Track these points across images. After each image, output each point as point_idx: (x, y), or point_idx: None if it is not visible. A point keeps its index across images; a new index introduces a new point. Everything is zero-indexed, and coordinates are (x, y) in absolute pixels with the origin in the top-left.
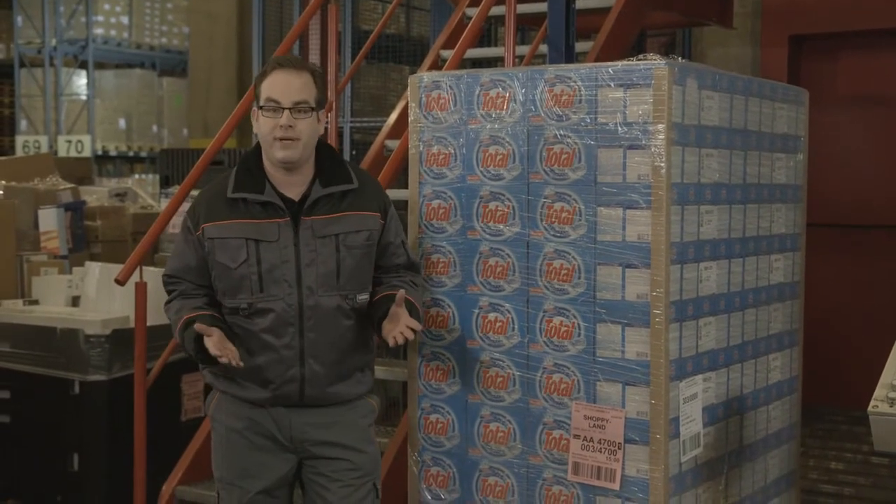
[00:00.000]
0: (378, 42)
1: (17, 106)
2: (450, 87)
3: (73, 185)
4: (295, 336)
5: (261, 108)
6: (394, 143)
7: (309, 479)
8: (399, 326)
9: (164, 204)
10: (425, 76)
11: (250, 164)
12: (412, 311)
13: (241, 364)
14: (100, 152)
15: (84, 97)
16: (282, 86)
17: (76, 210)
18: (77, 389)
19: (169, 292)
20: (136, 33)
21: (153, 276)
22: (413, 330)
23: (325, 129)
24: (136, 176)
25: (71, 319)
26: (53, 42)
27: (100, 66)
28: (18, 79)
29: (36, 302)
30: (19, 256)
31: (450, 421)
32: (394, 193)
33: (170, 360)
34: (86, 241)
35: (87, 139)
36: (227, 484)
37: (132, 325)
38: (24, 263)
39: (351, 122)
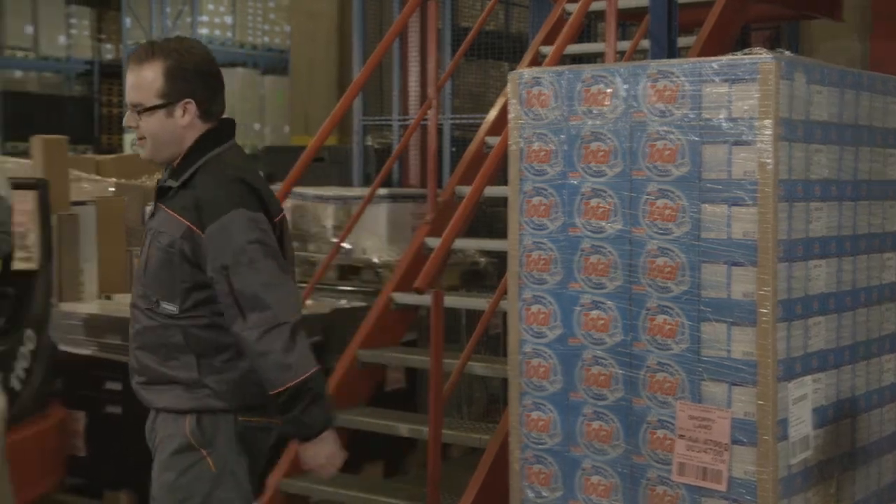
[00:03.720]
0: (477, 39)
1: (125, 105)
2: (550, 83)
3: None
4: (131, 321)
5: None
6: (494, 140)
7: None
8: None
9: None
10: (525, 72)
11: None
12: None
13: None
14: None
15: None
16: (127, 83)
17: None
18: None
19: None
20: (239, 32)
21: None
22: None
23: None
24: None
25: None
26: None
27: None
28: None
29: None
30: (129, 252)
31: (551, 418)
32: (494, 190)
33: None
34: None
35: None
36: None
37: None
38: (133, 259)
39: (451, 119)
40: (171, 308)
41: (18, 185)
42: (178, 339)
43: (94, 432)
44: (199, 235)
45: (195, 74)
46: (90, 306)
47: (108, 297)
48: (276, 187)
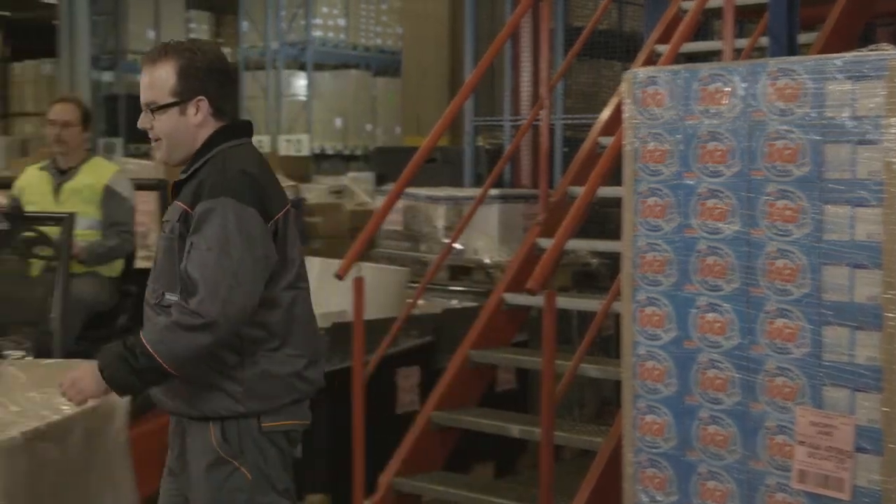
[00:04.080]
0: (589, 38)
1: (241, 107)
2: (666, 82)
3: (294, 183)
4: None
5: None
6: (607, 140)
7: None
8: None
9: (380, 201)
10: (640, 72)
11: None
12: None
13: None
14: (317, 151)
15: (303, 98)
16: (141, 85)
17: (297, 207)
18: None
19: None
20: (352, 35)
21: (371, 271)
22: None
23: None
24: (351, 174)
25: None
26: (275, 45)
27: (318, 67)
28: (243, 81)
29: None
30: None
31: (666, 422)
32: (607, 191)
33: (386, 353)
34: (306, 237)
35: (305, 138)
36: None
37: (350, 318)
38: None
39: (562, 119)
40: (173, 298)
41: (141, 186)
42: None
43: None
44: (191, 215)
45: (207, 72)
46: None
47: None
48: (389, 188)
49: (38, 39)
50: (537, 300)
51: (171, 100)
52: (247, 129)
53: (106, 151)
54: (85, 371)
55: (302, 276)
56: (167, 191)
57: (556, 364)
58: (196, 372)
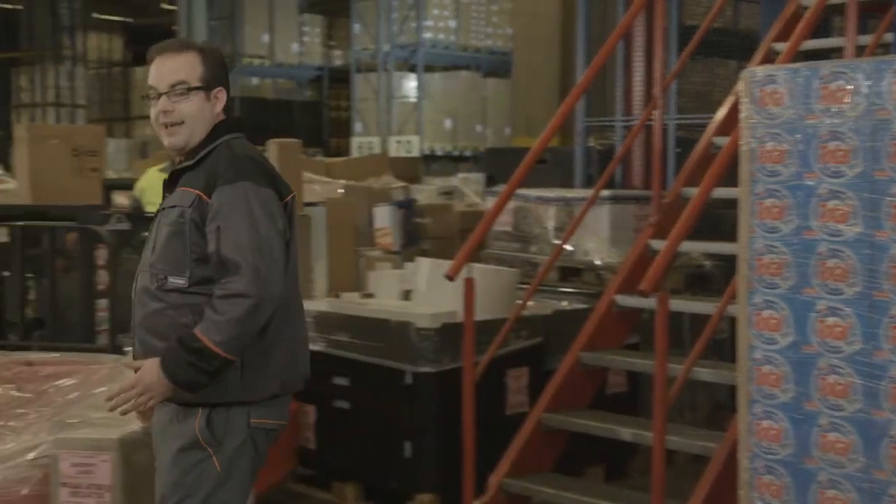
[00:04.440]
0: (703, 37)
1: (352, 109)
2: (785, 81)
3: (404, 184)
4: (134, 302)
5: (147, 98)
6: (722, 140)
7: None
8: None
9: (490, 202)
10: (759, 70)
11: None
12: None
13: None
14: (427, 152)
15: (413, 99)
16: (157, 71)
17: (408, 207)
18: (409, 380)
19: None
20: (462, 36)
21: (481, 272)
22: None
23: (649, 125)
24: (460, 175)
25: (403, 313)
26: (386, 47)
27: (428, 68)
28: (355, 83)
29: (371, 295)
30: (357, 252)
31: (783, 428)
32: (722, 192)
33: (496, 354)
34: (417, 238)
35: (415, 140)
36: None
37: (460, 319)
38: (361, 258)
39: (675, 119)
40: (179, 282)
41: None
42: (188, 319)
43: (323, 425)
44: (207, 202)
45: (222, 68)
46: (320, 304)
47: (337, 296)
48: (499, 189)
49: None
50: (649, 302)
51: (199, 84)
52: (242, 124)
53: None
54: (153, 375)
55: (294, 265)
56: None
57: (669, 367)
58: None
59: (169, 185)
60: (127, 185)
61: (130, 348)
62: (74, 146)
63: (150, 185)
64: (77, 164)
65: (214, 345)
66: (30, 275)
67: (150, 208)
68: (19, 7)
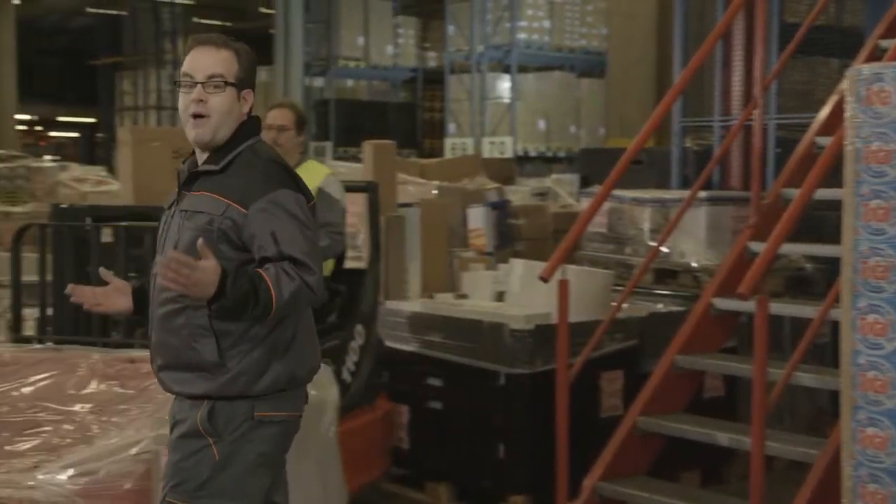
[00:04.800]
0: (805, 35)
1: (446, 110)
2: (893, 78)
3: (498, 185)
4: (154, 303)
5: (179, 85)
6: (824, 141)
7: None
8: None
9: (584, 203)
10: (865, 69)
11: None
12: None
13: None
14: (520, 153)
15: (507, 100)
16: (196, 61)
17: (501, 209)
18: (502, 381)
19: None
20: (556, 36)
21: (575, 273)
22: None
23: (748, 125)
24: (554, 176)
25: (496, 314)
26: (480, 48)
27: (522, 69)
28: (448, 85)
29: (465, 296)
30: (450, 252)
31: (890, 436)
32: (825, 193)
33: (590, 356)
34: (510, 239)
35: (508, 140)
36: None
37: (554, 320)
38: (454, 259)
39: (775, 118)
40: None
41: (350, 188)
42: (203, 320)
43: (416, 425)
44: (243, 213)
45: (254, 71)
46: (414, 304)
47: (431, 296)
48: (593, 190)
49: (255, 48)
50: (748, 305)
51: (234, 81)
52: (260, 125)
53: (316, 154)
54: (213, 279)
55: None
56: (376, 193)
57: (768, 371)
58: (207, 357)
59: (186, 184)
60: None
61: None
62: (175, 148)
63: None
64: (178, 165)
65: (276, 297)
66: (132, 274)
67: None
68: (123, 13)
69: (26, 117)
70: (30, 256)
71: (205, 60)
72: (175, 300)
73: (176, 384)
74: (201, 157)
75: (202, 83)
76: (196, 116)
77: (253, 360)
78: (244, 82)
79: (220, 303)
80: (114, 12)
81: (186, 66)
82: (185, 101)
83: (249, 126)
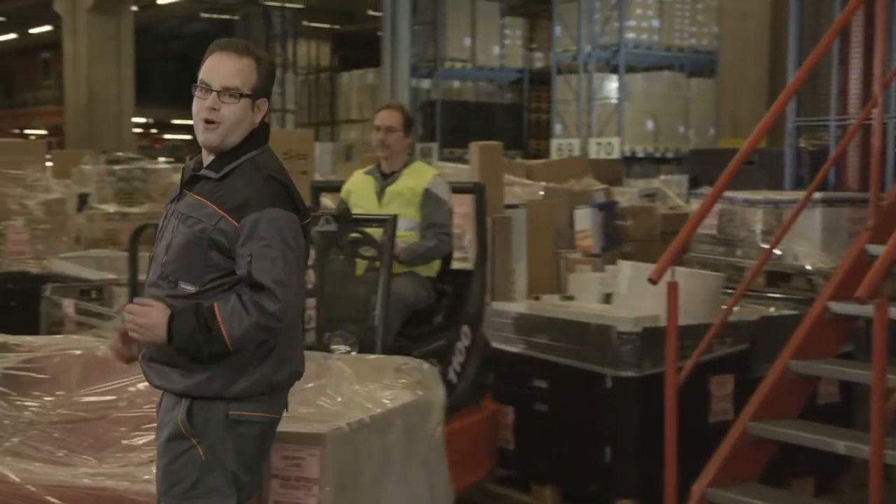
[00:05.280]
0: None
1: (552, 111)
2: None
3: (605, 186)
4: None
5: (195, 88)
6: None
7: None
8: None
9: (694, 204)
10: None
11: None
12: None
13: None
14: (627, 154)
15: (614, 101)
16: (215, 68)
17: (609, 210)
18: (609, 384)
19: None
20: (665, 36)
21: (685, 275)
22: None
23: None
24: (662, 177)
25: (603, 316)
26: (587, 49)
27: (630, 69)
28: (555, 85)
29: (571, 297)
30: (557, 254)
31: None
32: None
33: (700, 360)
34: (617, 240)
35: (616, 141)
36: None
37: (662, 323)
38: (560, 260)
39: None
40: (189, 288)
41: (457, 189)
42: None
43: (522, 427)
44: (234, 225)
45: (272, 79)
46: (520, 305)
47: (537, 298)
48: (703, 191)
49: (363, 50)
50: (866, 310)
51: (249, 92)
52: (269, 133)
53: (422, 156)
54: (161, 321)
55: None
56: (482, 194)
57: (888, 378)
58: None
59: (188, 183)
60: (334, 188)
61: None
62: (285, 150)
63: (356, 186)
64: (287, 166)
65: (228, 335)
66: None
67: (356, 210)
68: (235, 18)
69: (142, 120)
70: (146, 256)
71: (223, 69)
72: (162, 297)
73: (157, 376)
74: (207, 159)
75: (218, 92)
76: (208, 122)
77: (230, 363)
78: (260, 92)
79: (173, 344)
80: (226, 17)
81: (204, 73)
82: (198, 105)
83: (260, 134)
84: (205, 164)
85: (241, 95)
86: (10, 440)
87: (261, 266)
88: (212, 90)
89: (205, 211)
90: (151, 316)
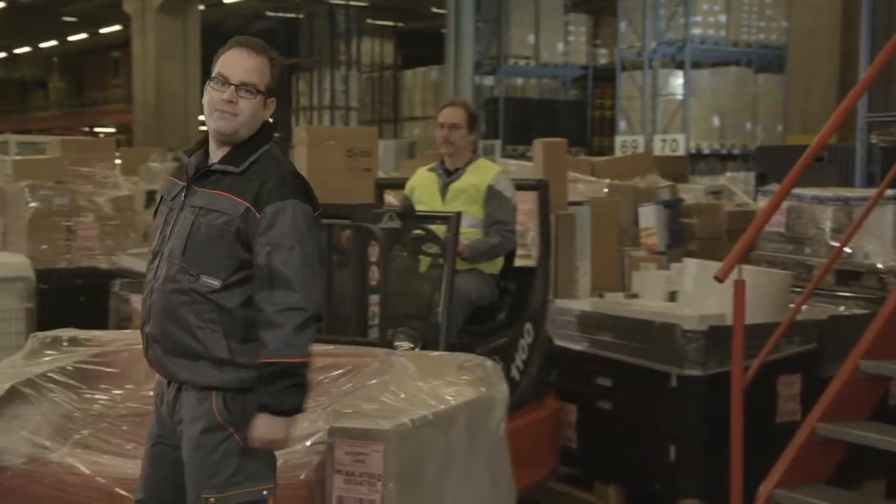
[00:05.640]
0: None
1: (616, 108)
2: None
3: (670, 183)
4: (150, 291)
5: (211, 79)
6: None
7: None
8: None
9: (762, 202)
10: None
11: (209, 132)
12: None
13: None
14: (693, 150)
15: (679, 97)
16: (234, 63)
17: (674, 207)
18: (674, 383)
19: None
20: (732, 31)
21: (752, 274)
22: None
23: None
24: (729, 174)
25: (668, 314)
26: (652, 45)
27: (696, 65)
28: (619, 82)
29: (636, 295)
30: (621, 251)
31: None
32: None
33: (767, 359)
34: (683, 238)
35: (681, 138)
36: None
37: (728, 322)
38: (625, 258)
39: None
40: (212, 282)
41: (521, 185)
42: (213, 315)
43: (585, 425)
44: (256, 216)
45: (282, 80)
46: (583, 303)
47: (601, 295)
48: (771, 188)
49: (426, 47)
50: None
51: (264, 90)
52: (274, 130)
53: (485, 153)
54: (266, 429)
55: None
56: (546, 191)
57: None
58: (215, 350)
59: (198, 179)
60: (398, 185)
61: (144, 339)
62: (349, 147)
63: (420, 183)
64: (351, 164)
65: (291, 357)
66: None
67: (420, 207)
68: (300, 16)
69: None
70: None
71: (242, 64)
72: (184, 292)
73: (184, 371)
74: (217, 154)
75: (235, 86)
76: (222, 111)
77: (253, 357)
78: (272, 91)
79: (292, 413)
80: (291, 15)
81: (223, 67)
82: (213, 96)
83: (269, 130)
84: (215, 159)
85: (258, 92)
86: (80, 433)
87: (280, 256)
88: (230, 83)
89: (228, 203)
90: (265, 437)
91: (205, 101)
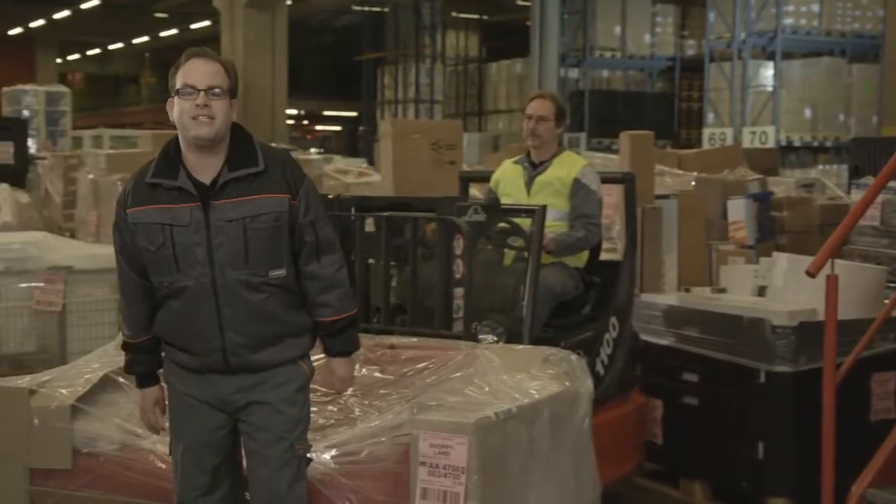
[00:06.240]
0: None
1: (704, 100)
2: None
3: (760, 176)
4: (212, 311)
5: (178, 93)
6: None
7: (242, 433)
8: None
9: (855, 195)
10: None
11: (169, 150)
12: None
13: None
14: (783, 143)
15: (770, 88)
16: (197, 73)
17: (763, 200)
18: (763, 379)
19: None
20: (826, 20)
21: (845, 268)
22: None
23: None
24: (821, 166)
25: (757, 309)
26: (742, 35)
27: (787, 55)
28: (708, 73)
29: (723, 290)
30: (708, 245)
31: None
32: None
33: (860, 356)
34: (772, 232)
35: (771, 130)
36: (174, 434)
37: (820, 317)
38: (712, 252)
39: None
40: (280, 272)
41: (607, 179)
42: (288, 297)
43: (670, 421)
44: (293, 203)
45: (238, 83)
46: (670, 297)
47: (687, 290)
48: (866, 181)
49: (511, 40)
50: None
51: (227, 91)
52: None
53: (570, 146)
54: (343, 368)
55: None
56: (632, 184)
57: None
58: (301, 321)
59: (214, 194)
60: (483, 178)
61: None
62: (434, 140)
63: (505, 176)
64: (436, 157)
65: (353, 309)
66: (393, 263)
67: (505, 200)
68: (386, 10)
69: (295, 112)
70: None
71: (204, 71)
72: (259, 290)
73: (270, 356)
74: (213, 165)
75: (204, 91)
76: (200, 116)
77: (309, 326)
78: (234, 92)
79: (355, 350)
80: (377, 9)
81: (186, 77)
82: (184, 106)
83: (241, 127)
84: (201, 170)
85: (224, 92)
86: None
87: (323, 227)
88: (198, 90)
89: (271, 202)
90: (345, 375)
91: (175, 115)
